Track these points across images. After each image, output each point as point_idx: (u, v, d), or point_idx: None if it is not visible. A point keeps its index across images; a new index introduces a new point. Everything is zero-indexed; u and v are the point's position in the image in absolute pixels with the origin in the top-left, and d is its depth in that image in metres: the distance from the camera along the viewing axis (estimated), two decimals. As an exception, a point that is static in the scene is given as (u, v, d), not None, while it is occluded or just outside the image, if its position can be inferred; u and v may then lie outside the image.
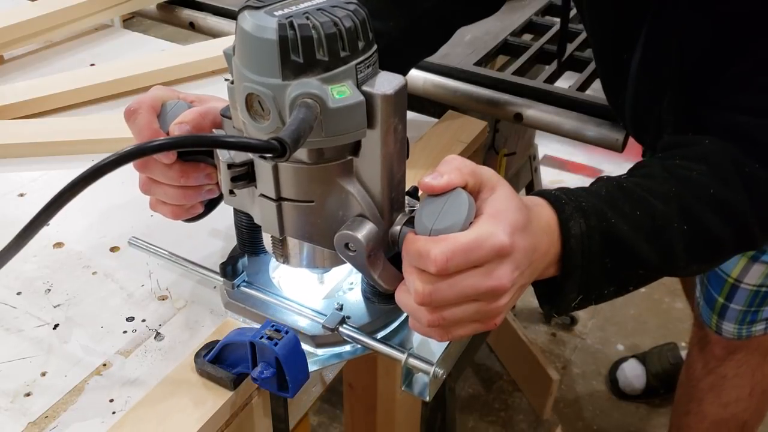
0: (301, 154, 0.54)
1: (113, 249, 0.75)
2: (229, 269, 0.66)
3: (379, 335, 0.64)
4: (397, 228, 0.56)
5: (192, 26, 1.31)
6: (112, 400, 0.59)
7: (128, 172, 0.85)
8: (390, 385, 1.08)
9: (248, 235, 0.67)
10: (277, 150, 0.47)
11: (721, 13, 0.67)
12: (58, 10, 1.12)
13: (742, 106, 0.67)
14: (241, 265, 0.67)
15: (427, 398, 0.61)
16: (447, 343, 0.61)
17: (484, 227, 0.51)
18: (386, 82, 0.52)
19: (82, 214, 0.80)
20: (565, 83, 1.10)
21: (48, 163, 0.88)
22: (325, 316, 0.63)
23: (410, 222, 0.56)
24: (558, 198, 0.59)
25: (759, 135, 0.66)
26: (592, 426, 1.79)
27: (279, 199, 0.57)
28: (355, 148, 0.55)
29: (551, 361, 1.93)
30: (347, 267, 0.66)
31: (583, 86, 1.10)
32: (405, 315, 0.65)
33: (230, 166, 0.57)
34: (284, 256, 0.62)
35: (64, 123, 0.95)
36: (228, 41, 1.13)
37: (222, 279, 0.66)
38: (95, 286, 0.70)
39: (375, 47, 0.53)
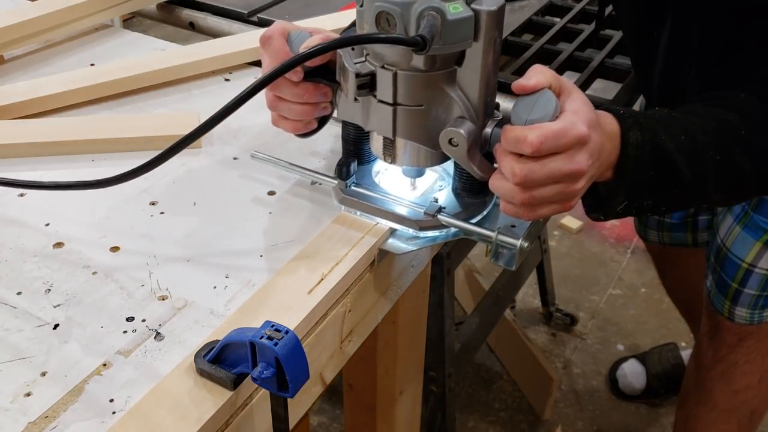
0: (418, 62, 0.66)
1: (113, 249, 0.75)
2: (343, 170, 0.78)
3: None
4: (489, 130, 0.69)
5: (192, 26, 1.31)
6: (112, 400, 0.59)
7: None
8: (390, 385, 1.08)
9: (353, 145, 0.80)
10: (419, 44, 0.60)
11: None
12: (58, 10, 1.12)
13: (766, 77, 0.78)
14: (352, 168, 0.79)
15: (514, 268, 0.73)
16: (529, 223, 0.73)
17: (569, 119, 0.62)
18: (490, 1, 0.64)
19: (82, 214, 0.80)
20: (565, 83, 1.10)
21: (48, 163, 0.88)
22: (425, 206, 0.75)
23: (499, 125, 0.68)
24: (620, 112, 0.71)
25: None
26: (592, 426, 1.79)
27: (395, 104, 0.69)
28: (460, 58, 0.67)
29: (551, 361, 1.93)
30: (435, 175, 0.82)
31: (584, 86, 1.10)
32: (489, 208, 0.77)
33: (357, 75, 0.68)
34: (392, 156, 0.74)
35: (64, 123, 0.95)
36: (228, 41, 1.13)
37: (336, 180, 0.79)
38: (95, 286, 0.70)
39: None
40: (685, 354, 1.81)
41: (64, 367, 0.62)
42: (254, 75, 1.08)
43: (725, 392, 1.27)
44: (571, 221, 2.41)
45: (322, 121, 0.79)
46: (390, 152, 0.74)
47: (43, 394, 0.60)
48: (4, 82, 1.04)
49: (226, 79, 1.07)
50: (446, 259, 1.14)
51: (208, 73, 1.07)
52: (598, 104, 0.71)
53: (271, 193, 0.83)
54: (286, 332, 0.55)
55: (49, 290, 0.70)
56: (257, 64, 1.10)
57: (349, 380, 1.13)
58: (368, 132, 0.77)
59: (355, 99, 0.71)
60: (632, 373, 1.84)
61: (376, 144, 0.75)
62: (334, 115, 0.79)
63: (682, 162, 0.71)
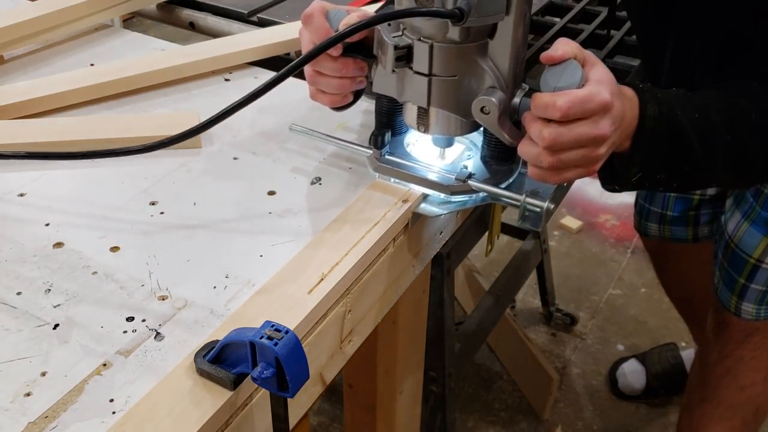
0: (453, 34, 0.70)
1: (113, 249, 0.75)
2: (378, 140, 0.82)
3: None
4: (517, 100, 0.73)
5: (192, 26, 1.31)
6: (112, 400, 0.59)
7: (127, 172, 0.86)
8: (390, 385, 1.08)
9: (387, 117, 0.84)
10: (457, 15, 0.65)
11: None
12: (58, 10, 1.12)
13: None
14: (386, 138, 0.83)
15: (539, 229, 0.78)
16: (554, 187, 0.78)
17: (594, 86, 0.66)
18: None
19: (82, 214, 0.80)
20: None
21: (48, 162, 0.88)
22: (455, 173, 0.80)
23: (527, 94, 0.72)
24: (639, 86, 0.74)
25: None
26: (592, 426, 1.79)
27: (430, 75, 0.73)
28: (492, 31, 0.71)
29: (551, 361, 1.93)
30: (462, 146, 0.86)
31: (583, 86, 1.10)
32: (515, 176, 0.81)
33: (396, 48, 0.72)
34: (425, 126, 0.78)
35: (64, 123, 0.95)
36: (228, 41, 1.13)
37: (372, 149, 0.83)
38: (95, 286, 0.70)
39: None
40: (685, 354, 1.81)
41: (64, 367, 0.62)
42: (254, 75, 1.08)
43: (731, 388, 1.27)
44: (571, 221, 2.41)
45: (357, 95, 0.84)
46: (423, 122, 0.78)
47: (43, 394, 0.60)
48: (4, 82, 1.04)
49: (226, 79, 1.07)
50: (446, 259, 1.14)
51: (208, 73, 1.07)
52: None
53: (271, 193, 0.83)
54: (286, 332, 0.55)
55: (49, 290, 0.70)
56: (257, 64, 1.10)
57: (349, 380, 1.13)
58: (400, 105, 0.81)
59: (393, 70, 0.75)
60: (632, 373, 1.84)
61: (410, 115, 0.79)
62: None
63: (695, 139, 0.74)
